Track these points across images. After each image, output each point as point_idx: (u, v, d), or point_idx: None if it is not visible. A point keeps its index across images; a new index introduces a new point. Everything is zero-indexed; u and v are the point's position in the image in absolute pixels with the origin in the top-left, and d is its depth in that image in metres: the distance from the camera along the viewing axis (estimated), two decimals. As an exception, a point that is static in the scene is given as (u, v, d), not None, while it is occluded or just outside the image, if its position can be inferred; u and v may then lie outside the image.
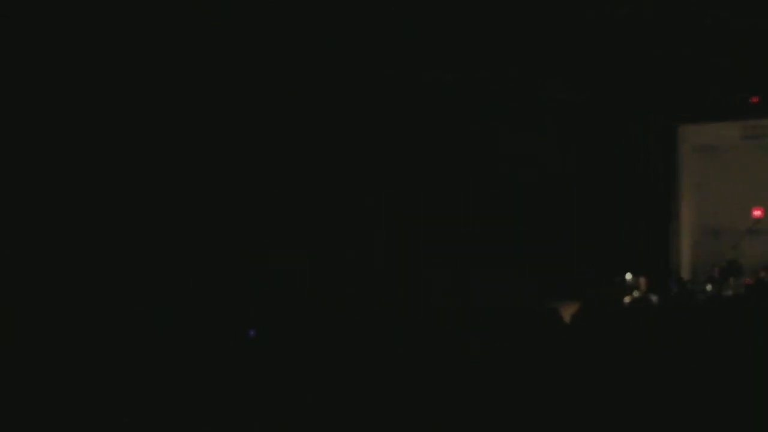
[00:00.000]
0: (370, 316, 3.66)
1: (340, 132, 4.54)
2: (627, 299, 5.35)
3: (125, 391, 3.18)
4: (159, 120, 4.02)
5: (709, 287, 5.85)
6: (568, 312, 4.00)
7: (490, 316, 3.87)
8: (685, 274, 6.61)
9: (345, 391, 3.14)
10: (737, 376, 3.17)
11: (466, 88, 5.22)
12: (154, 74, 4.01)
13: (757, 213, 6.63)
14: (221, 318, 3.61)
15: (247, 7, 4.04)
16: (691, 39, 5.66)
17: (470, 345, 3.44)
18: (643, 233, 6.47)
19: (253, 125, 4.23)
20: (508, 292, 4.58)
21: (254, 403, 3.19)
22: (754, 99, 6.33)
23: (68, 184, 3.84)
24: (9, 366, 3.19)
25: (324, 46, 4.42)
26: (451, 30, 4.66)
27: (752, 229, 6.63)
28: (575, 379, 3.25)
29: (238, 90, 4.24)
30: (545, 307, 3.87)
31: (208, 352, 3.40)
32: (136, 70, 3.97)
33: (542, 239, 5.91)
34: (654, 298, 5.41)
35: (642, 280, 5.69)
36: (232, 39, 4.14)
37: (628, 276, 5.72)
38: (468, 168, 5.47)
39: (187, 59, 4.07)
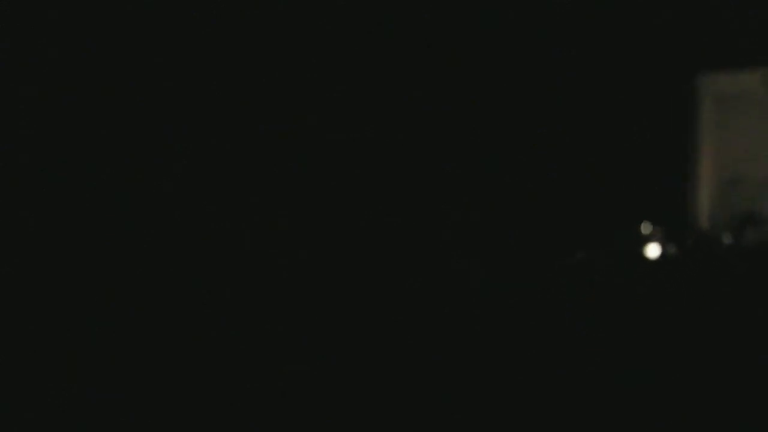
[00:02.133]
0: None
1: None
2: (644, 249, 5.23)
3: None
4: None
5: (727, 237, 5.73)
6: (584, 261, 3.93)
7: (504, 269, 3.84)
8: (703, 224, 6.48)
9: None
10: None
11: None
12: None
13: None
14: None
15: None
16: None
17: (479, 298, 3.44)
18: (660, 182, 6.33)
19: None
20: (522, 244, 4.52)
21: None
22: None
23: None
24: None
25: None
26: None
27: None
28: (591, 331, 3.24)
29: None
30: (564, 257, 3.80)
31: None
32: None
33: (557, 189, 5.80)
34: (672, 247, 5.29)
35: (659, 230, 5.54)
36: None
37: (645, 225, 5.57)
38: (478, 121, 5.35)
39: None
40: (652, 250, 5.20)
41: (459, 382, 3.26)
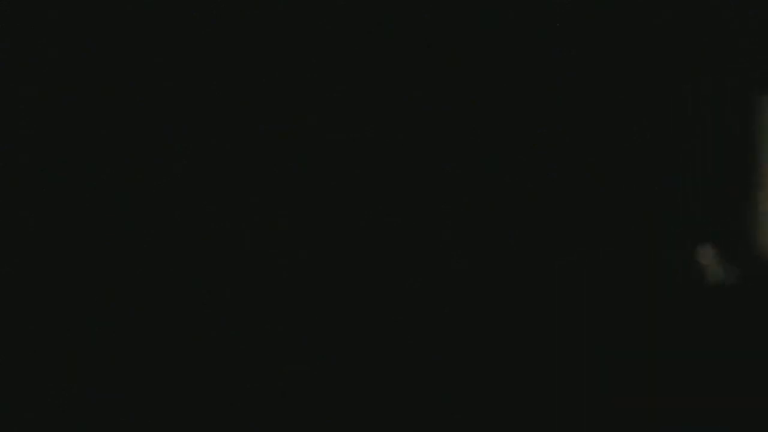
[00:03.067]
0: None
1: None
2: (701, 273, 4.81)
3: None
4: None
5: None
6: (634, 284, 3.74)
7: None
8: (766, 248, 6.15)
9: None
10: None
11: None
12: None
13: None
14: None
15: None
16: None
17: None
18: (723, 206, 6.07)
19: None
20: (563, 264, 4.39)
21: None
22: None
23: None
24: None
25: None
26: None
27: None
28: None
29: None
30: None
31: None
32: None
33: (610, 206, 5.59)
34: (732, 272, 4.87)
35: (718, 253, 5.10)
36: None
37: (705, 250, 5.13)
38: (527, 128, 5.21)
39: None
40: (710, 275, 4.76)
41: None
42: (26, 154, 3.81)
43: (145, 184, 3.97)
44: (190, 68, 4.10)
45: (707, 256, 4.75)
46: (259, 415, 3.16)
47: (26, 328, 3.37)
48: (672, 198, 5.68)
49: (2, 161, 3.77)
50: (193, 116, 4.10)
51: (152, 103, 4.05)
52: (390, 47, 4.67)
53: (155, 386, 3.24)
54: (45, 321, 3.43)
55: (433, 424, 3.09)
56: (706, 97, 5.94)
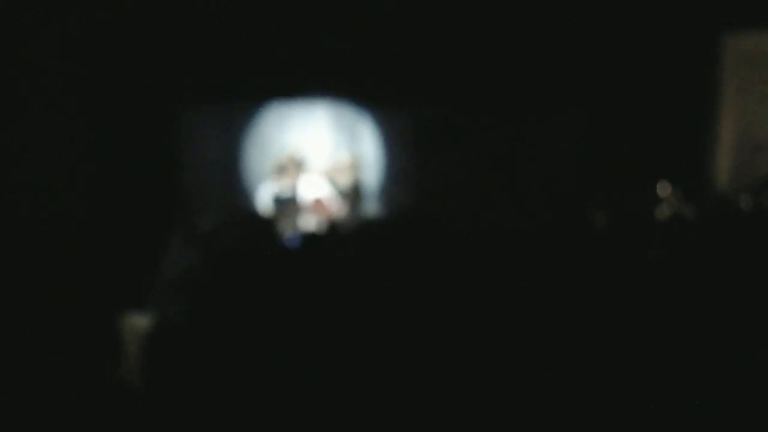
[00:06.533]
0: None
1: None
2: (659, 209, 4.85)
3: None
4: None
5: (746, 201, 5.41)
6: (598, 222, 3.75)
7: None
8: (723, 186, 6.19)
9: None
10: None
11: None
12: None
13: None
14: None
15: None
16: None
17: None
18: (680, 143, 6.03)
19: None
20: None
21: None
22: None
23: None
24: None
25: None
26: None
27: None
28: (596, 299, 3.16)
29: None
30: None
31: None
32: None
33: (568, 141, 5.55)
34: (688, 209, 4.96)
35: (674, 189, 5.16)
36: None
37: (662, 186, 5.19)
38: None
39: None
40: (667, 212, 4.88)
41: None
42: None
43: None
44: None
45: (666, 193, 4.83)
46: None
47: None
48: (631, 135, 5.63)
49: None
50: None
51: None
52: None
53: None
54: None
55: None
56: (666, 39, 5.87)
